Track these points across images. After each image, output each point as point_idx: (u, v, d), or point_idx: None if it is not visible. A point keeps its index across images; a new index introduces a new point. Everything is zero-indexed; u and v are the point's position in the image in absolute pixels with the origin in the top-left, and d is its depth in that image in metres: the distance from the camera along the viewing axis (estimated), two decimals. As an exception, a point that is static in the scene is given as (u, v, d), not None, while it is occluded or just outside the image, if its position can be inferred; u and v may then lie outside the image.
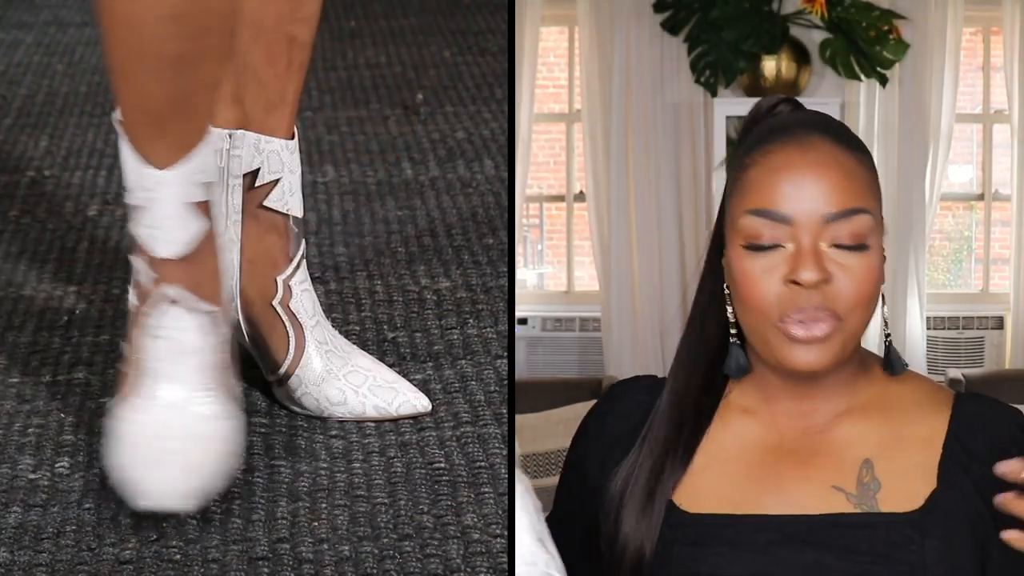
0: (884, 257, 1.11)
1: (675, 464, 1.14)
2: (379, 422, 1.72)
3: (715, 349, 1.16)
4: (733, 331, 1.14)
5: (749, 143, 1.13)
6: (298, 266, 1.75)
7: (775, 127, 1.12)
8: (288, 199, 1.74)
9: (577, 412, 3.24)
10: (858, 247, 1.07)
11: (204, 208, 1.55)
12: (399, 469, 1.63)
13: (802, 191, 1.07)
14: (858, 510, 1.08)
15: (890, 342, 1.14)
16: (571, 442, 1.24)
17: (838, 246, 1.07)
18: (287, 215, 1.74)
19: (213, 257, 1.58)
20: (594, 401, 1.27)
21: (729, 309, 1.14)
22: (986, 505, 1.08)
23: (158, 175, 1.53)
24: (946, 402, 1.13)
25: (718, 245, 1.17)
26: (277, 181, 1.73)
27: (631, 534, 1.12)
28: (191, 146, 1.52)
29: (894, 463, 1.10)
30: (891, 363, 1.14)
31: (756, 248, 1.08)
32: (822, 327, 1.06)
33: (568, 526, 1.20)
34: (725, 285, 1.14)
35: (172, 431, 1.53)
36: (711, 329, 1.17)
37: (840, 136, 1.10)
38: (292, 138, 1.75)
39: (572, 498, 1.21)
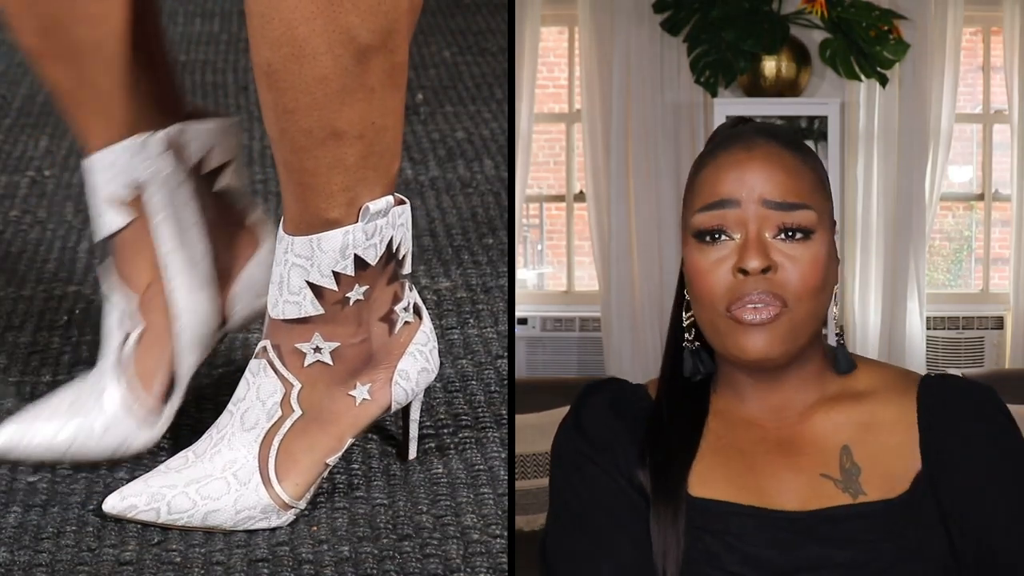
0: (838, 259, 1.16)
1: (686, 462, 1.16)
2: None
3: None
4: (690, 335, 1.18)
5: (701, 156, 1.19)
6: None
7: (724, 138, 1.18)
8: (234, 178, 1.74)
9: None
10: (803, 236, 1.12)
11: (132, 203, 1.62)
12: (398, 472, 1.63)
13: (747, 180, 1.13)
14: (847, 495, 1.12)
15: (840, 340, 1.18)
16: (568, 463, 1.20)
17: (784, 237, 1.12)
18: None
19: (137, 250, 1.64)
20: (579, 402, 1.27)
21: (686, 314, 1.18)
22: (953, 491, 1.12)
23: (84, 163, 1.62)
24: (912, 384, 1.18)
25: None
26: None
27: (661, 543, 1.13)
28: (108, 138, 1.60)
29: (869, 447, 1.15)
30: (837, 360, 1.18)
31: (705, 239, 1.14)
32: (769, 311, 1.11)
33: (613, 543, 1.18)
34: (685, 291, 1.19)
35: (69, 395, 1.65)
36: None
37: (786, 141, 1.16)
38: None
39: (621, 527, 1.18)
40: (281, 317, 1.52)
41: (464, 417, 1.74)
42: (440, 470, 1.63)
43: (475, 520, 1.54)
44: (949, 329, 4.34)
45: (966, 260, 4.68)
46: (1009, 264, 4.33)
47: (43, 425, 1.63)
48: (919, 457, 1.14)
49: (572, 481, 1.18)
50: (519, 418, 3.43)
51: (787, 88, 4.08)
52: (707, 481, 1.15)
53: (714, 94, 4.08)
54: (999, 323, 4.35)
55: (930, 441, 1.14)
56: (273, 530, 1.52)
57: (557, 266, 4.67)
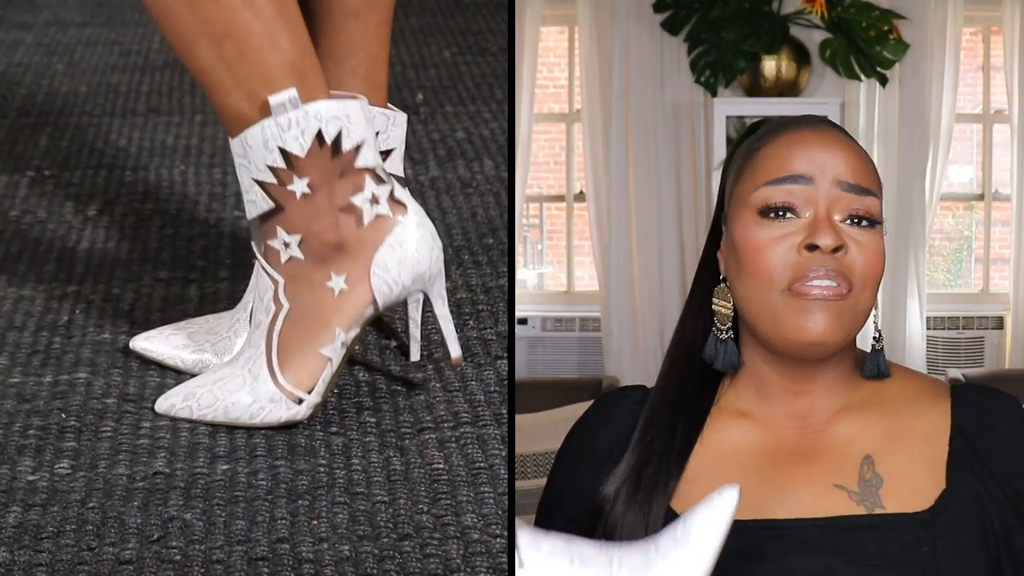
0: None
1: (669, 470, 1.12)
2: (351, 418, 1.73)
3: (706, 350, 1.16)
4: (727, 325, 1.14)
5: (756, 136, 1.15)
6: None
7: (783, 122, 1.15)
8: (400, 164, 1.88)
9: (577, 412, 3.23)
10: (868, 224, 1.10)
11: None
12: (398, 468, 1.64)
13: (820, 158, 1.11)
14: (862, 508, 1.07)
15: (881, 346, 1.14)
16: (558, 454, 1.22)
17: (851, 221, 1.10)
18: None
19: None
20: (593, 402, 1.27)
21: (725, 304, 1.14)
22: (998, 506, 1.07)
23: None
24: (944, 395, 1.14)
25: (713, 245, 1.17)
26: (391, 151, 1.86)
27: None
28: None
29: (895, 458, 1.09)
30: (871, 364, 1.14)
31: (769, 215, 1.10)
32: (836, 291, 1.07)
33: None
34: (722, 278, 1.15)
35: (208, 324, 1.87)
36: (704, 330, 1.17)
37: (847, 133, 1.14)
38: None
39: (563, 513, 1.19)
40: (249, 218, 1.66)
41: (464, 415, 1.74)
42: (440, 466, 1.63)
43: (475, 520, 1.54)
44: (949, 329, 4.34)
45: (966, 260, 4.68)
46: (1009, 264, 4.33)
47: (180, 343, 1.82)
48: (944, 474, 1.08)
49: (558, 470, 1.22)
50: (519, 418, 3.43)
51: (787, 88, 4.08)
52: None
53: (714, 94, 4.09)
54: (999, 323, 4.35)
55: (971, 449, 1.09)
56: (273, 526, 1.52)
57: (557, 266, 4.68)
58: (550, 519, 1.21)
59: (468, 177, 2.54)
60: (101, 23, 3.63)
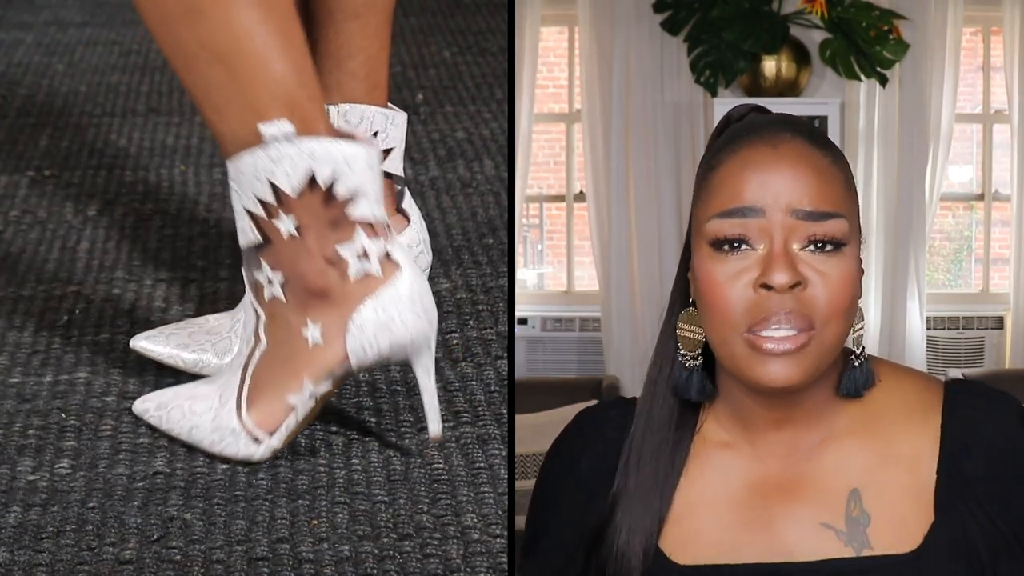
0: (862, 270, 1.05)
1: (654, 512, 1.08)
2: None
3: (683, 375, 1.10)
4: (695, 351, 1.08)
5: (716, 147, 1.09)
6: None
7: (743, 128, 1.07)
8: (400, 163, 1.88)
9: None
10: (834, 248, 1.01)
11: None
12: (398, 468, 1.64)
13: (773, 185, 1.01)
14: (850, 549, 1.03)
15: (862, 362, 1.07)
16: (541, 476, 1.17)
17: (813, 248, 1.01)
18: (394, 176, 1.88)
19: None
20: (594, 402, 1.24)
21: (693, 328, 1.08)
22: (984, 532, 1.03)
23: None
24: (935, 405, 1.07)
25: (686, 264, 1.11)
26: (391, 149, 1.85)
27: None
28: None
29: (882, 490, 1.04)
30: (847, 382, 1.07)
31: (723, 247, 1.03)
32: (795, 340, 1.00)
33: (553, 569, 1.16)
34: (691, 301, 1.08)
35: (209, 324, 1.84)
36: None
37: (812, 136, 1.04)
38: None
39: (550, 541, 1.14)
40: (241, 246, 1.59)
41: (464, 415, 1.74)
42: (440, 466, 1.63)
43: (475, 520, 1.54)
44: (949, 329, 4.34)
45: (966, 260, 4.68)
46: (1009, 264, 4.33)
47: (180, 343, 1.80)
48: (932, 503, 1.03)
49: (543, 493, 1.16)
50: (519, 418, 3.43)
51: (787, 88, 4.08)
52: (692, 545, 1.06)
53: (714, 94, 4.09)
54: (999, 323, 4.35)
55: (959, 475, 1.04)
56: (273, 526, 1.52)
57: (557, 266, 4.68)
58: (536, 546, 1.15)
59: (468, 177, 2.54)
60: (101, 23, 3.63)
